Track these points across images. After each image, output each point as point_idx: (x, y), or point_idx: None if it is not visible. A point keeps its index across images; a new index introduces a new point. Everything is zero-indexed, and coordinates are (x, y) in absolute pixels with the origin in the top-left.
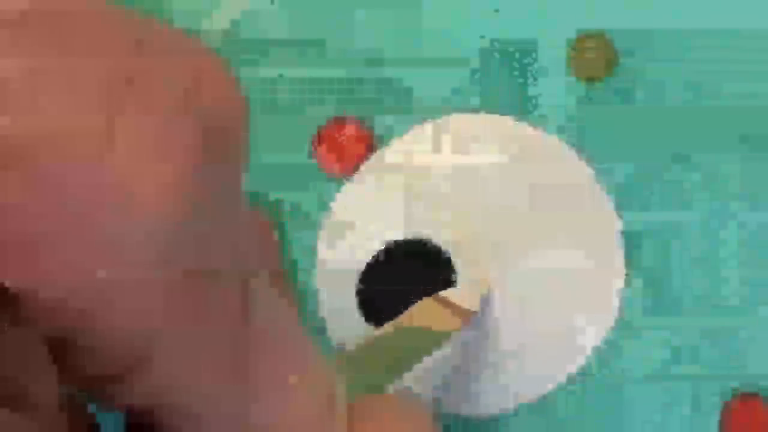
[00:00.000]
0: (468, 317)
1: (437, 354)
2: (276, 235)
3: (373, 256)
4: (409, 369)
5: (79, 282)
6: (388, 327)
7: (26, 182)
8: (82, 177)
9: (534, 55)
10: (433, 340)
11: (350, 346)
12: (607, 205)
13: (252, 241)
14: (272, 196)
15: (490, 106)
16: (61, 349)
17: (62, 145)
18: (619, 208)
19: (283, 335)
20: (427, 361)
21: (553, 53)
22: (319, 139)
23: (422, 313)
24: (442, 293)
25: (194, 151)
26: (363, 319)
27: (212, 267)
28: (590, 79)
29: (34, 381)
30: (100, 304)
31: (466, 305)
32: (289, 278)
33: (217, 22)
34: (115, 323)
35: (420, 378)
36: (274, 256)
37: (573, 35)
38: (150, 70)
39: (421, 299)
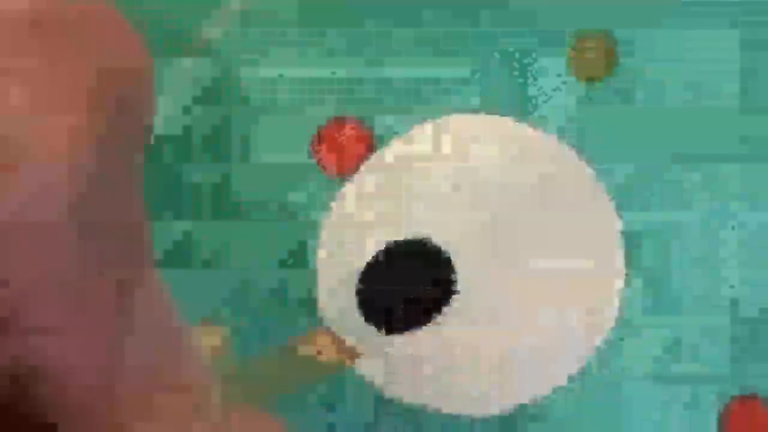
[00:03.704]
0: (353, 357)
1: (436, 355)
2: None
3: (373, 256)
4: (289, 391)
5: None
6: (275, 350)
7: None
8: None
9: (534, 55)
10: (315, 369)
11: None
12: (607, 205)
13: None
14: (272, 196)
15: (490, 106)
16: None
17: None
18: (619, 208)
19: (160, 325)
20: (426, 363)
21: (553, 53)
22: (319, 139)
23: (312, 342)
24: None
25: (99, 96)
26: (363, 319)
27: (113, 219)
28: (590, 79)
29: None
30: None
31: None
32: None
33: (217, 22)
34: None
35: (420, 380)
36: None
37: (573, 35)
38: (53, 17)
39: (421, 299)
